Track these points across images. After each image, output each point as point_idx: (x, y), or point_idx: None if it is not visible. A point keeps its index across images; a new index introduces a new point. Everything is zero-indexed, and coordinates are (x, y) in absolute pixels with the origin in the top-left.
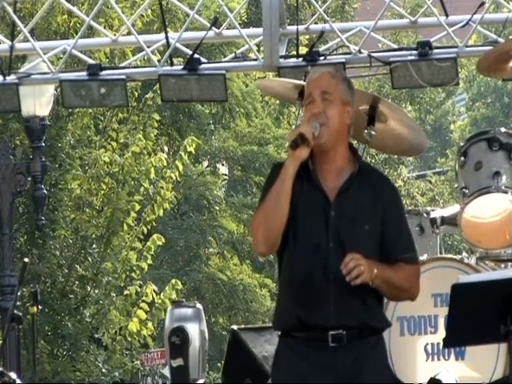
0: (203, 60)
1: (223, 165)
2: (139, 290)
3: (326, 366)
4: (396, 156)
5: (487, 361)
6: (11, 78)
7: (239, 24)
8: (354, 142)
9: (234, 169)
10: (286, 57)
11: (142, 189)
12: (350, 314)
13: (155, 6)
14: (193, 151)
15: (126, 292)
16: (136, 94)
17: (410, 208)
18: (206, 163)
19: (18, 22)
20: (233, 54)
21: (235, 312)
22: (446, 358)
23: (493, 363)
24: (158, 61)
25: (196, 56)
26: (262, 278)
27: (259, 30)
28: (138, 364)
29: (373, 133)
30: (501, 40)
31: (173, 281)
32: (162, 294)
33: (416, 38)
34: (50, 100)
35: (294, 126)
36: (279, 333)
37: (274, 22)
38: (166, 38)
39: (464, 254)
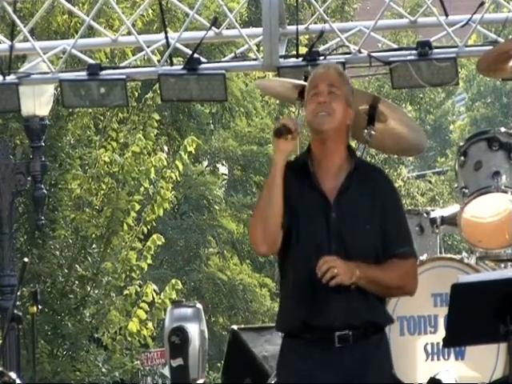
0: (203, 60)
1: (223, 164)
2: (139, 289)
3: (331, 366)
4: (396, 156)
5: (487, 361)
6: (11, 78)
7: (239, 24)
8: (354, 142)
9: (233, 168)
10: (285, 57)
11: (141, 189)
12: (354, 313)
13: (155, 6)
14: (193, 151)
15: (125, 292)
16: (136, 93)
17: (409, 208)
18: (205, 163)
19: (18, 21)
20: (232, 54)
21: (235, 312)
22: (446, 357)
23: (492, 363)
24: (158, 61)
25: (196, 56)
26: (261, 278)
27: (259, 30)
28: (137, 364)
29: (373, 133)
30: (500, 40)
31: (173, 281)
32: (161, 293)
33: (416, 37)
34: (49, 100)
35: None
36: (282, 334)
37: (273, 22)
38: (166, 37)
39: (464, 253)
